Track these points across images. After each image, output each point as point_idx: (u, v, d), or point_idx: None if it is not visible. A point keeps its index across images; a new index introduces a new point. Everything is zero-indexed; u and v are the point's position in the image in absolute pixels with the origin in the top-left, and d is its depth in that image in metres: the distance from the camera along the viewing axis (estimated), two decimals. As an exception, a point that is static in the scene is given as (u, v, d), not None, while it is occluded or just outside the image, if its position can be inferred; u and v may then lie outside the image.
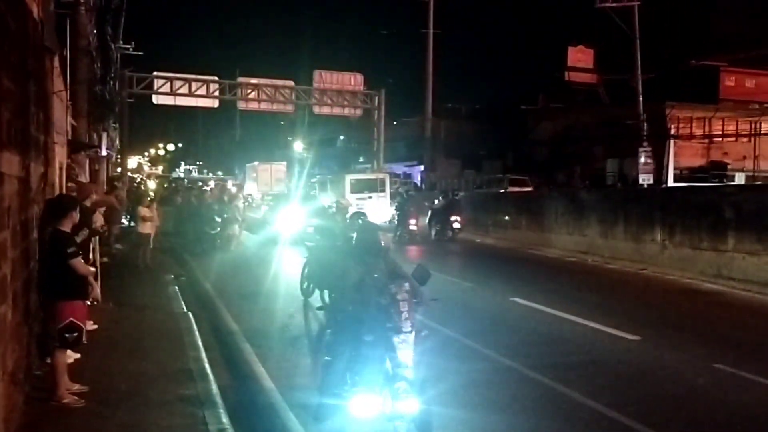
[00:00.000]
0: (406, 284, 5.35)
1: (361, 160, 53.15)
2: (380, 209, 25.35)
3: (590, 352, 8.57)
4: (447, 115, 45.67)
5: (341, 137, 66.23)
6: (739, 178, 34.15)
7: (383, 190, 28.21)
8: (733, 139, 35.75)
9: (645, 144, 28.46)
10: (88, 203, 8.48)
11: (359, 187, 27.10)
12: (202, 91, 35.17)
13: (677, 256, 15.40)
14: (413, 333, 5.23)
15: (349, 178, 28.99)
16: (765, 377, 7.27)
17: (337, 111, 38.94)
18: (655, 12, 31.64)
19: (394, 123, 46.15)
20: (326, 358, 5.77)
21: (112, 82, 25.57)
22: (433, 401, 5.25)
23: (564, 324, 10.13)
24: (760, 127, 35.24)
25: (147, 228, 15.06)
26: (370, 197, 26.66)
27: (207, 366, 7.30)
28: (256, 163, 45.28)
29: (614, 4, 28.04)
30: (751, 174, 34.80)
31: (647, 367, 7.90)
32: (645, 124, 29.29)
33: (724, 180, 32.62)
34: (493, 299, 12.14)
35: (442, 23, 33.11)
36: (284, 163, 44.94)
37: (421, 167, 39.59)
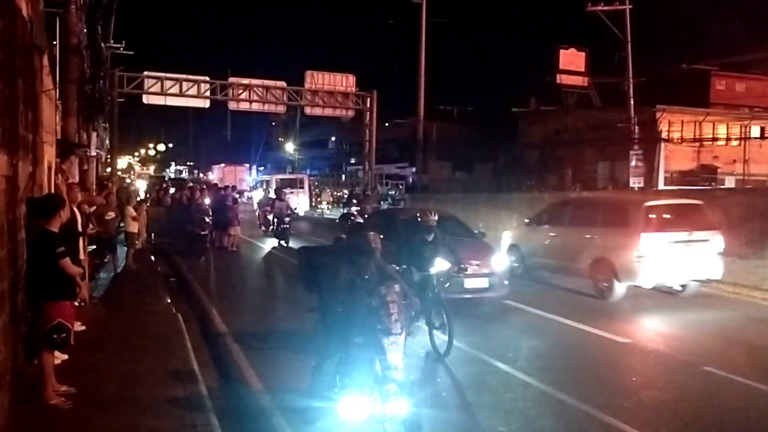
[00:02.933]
0: (396, 286, 5.35)
1: (352, 161, 53.16)
2: (299, 201, 35.59)
3: (580, 354, 8.58)
4: (439, 117, 45.74)
5: (333, 138, 66.24)
6: (729, 182, 34.35)
7: (302, 187, 39.48)
8: (723, 142, 35.95)
9: (636, 147, 28.57)
10: (74, 204, 8.42)
11: (283, 185, 34.14)
12: (193, 91, 35.02)
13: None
14: (403, 335, 5.22)
15: (275, 178, 41.68)
16: (752, 380, 7.30)
17: (328, 112, 38.87)
18: (646, 16, 31.78)
19: (386, 124, 46.20)
20: (316, 360, 5.75)
21: (102, 82, 25.40)
22: (422, 403, 5.25)
23: (554, 326, 10.14)
24: (750, 131, 35.46)
25: (134, 227, 15.02)
26: (292, 192, 34.54)
27: (196, 367, 7.26)
28: (222, 165, 56.50)
29: (606, 8, 28.13)
30: (741, 178, 35.00)
31: (638, 370, 7.92)
32: (636, 128, 29.39)
33: (714, 183, 32.81)
34: (483, 301, 12.11)
35: (435, 25, 33.12)
36: (246, 165, 57.39)
37: (413, 169, 39.61)
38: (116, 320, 9.40)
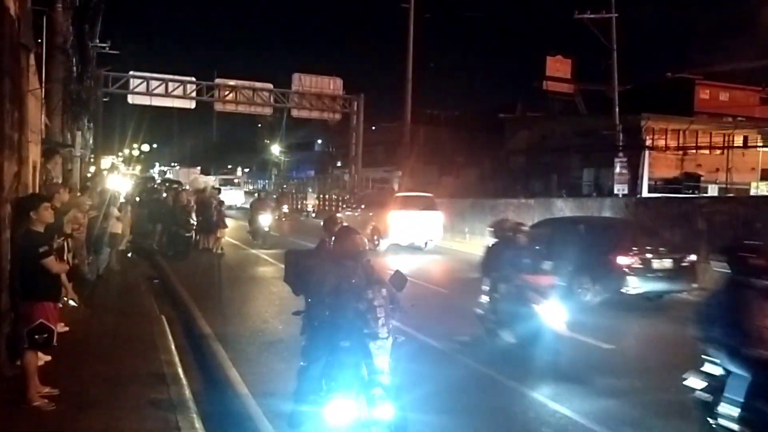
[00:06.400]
0: (384, 290, 5.35)
1: (339, 164, 53.07)
2: (234, 197, 42.76)
3: (565, 360, 8.63)
4: (426, 122, 45.80)
5: (319, 141, 66.11)
6: (712, 190, 34.73)
7: (239, 185, 52.37)
8: (706, 151, 36.34)
9: (620, 154, 28.78)
10: (57, 203, 8.34)
11: (223, 183, 43.04)
12: (179, 91, 34.83)
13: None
14: (390, 339, 5.23)
15: (217, 178, 50.76)
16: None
17: (315, 115, 38.79)
18: (632, 25, 32.09)
19: (373, 128, 46.17)
20: (302, 363, 5.73)
21: (87, 81, 25.18)
22: (409, 407, 5.25)
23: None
24: (733, 140, 35.88)
25: (117, 228, 14.87)
26: (231, 189, 44.68)
27: (180, 370, 7.22)
28: (177, 167, 64.00)
29: (592, 16, 28.38)
30: (723, 186, 35.41)
31: (620, 376, 7.98)
32: (621, 135, 29.63)
33: (697, 191, 33.16)
34: (469, 305, 12.15)
35: (423, 30, 33.25)
36: (199, 167, 62.10)
37: (399, 172, 39.64)
38: (99, 322, 9.32)
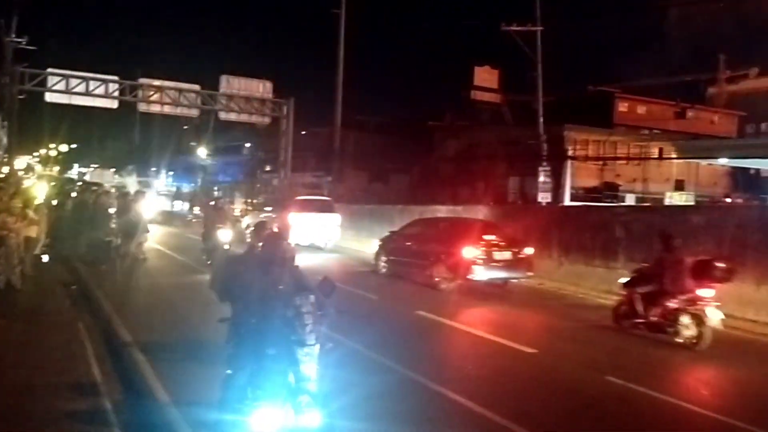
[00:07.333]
0: (312, 297, 5.31)
1: (268, 168, 52.46)
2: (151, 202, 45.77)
3: (491, 364, 8.79)
4: (356, 128, 45.88)
5: (248, 145, 65.15)
6: (630, 199, 36.21)
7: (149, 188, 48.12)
8: (625, 162, 37.85)
9: (545, 164, 29.60)
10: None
11: (142, 185, 40.83)
12: (101, 90, 33.65)
13: (572, 271, 16.09)
14: (318, 346, 5.18)
15: (136, 179, 52.70)
16: (652, 390, 7.69)
17: (244, 118, 38.22)
18: (557, 38, 33.16)
19: (303, 133, 45.90)
20: (227, 371, 5.61)
21: (2, 78, 24.01)
22: (336, 414, 5.22)
23: (466, 337, 10.36)
24: (650, 152, 37.54)
25: (32, 231, 14.20)
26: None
27: (99, 380, 6.94)
28: (92, 168, 65.43)
29: (518, 28, 29.09)
30: (640, 195, 36.99)
31: (544, 380, 8.18)
32: (545, 145, 30.48)
33: (616, 200, 34.50)
34: (398, 313, 12.25)
35: (354, 37, 33.31)
36: (113, 169, 63.63)
37: (329, 178, 39.54)
38: (12, 330, 8.88)
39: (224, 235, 16.99)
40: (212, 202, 22.63)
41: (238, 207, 42.14)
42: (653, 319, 10.33)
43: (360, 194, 36.99)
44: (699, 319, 9.80)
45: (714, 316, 9.77)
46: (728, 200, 36.76)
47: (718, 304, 9.88)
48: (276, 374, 5.11)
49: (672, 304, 10.06)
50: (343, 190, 34.81)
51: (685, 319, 9.95)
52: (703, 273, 10.01)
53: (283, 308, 5.18)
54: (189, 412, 6.17)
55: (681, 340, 9.96)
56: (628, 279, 11.12)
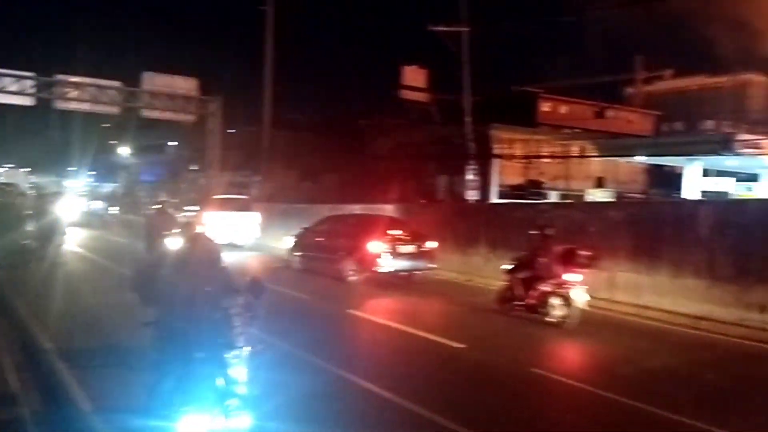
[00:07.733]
0: (240, 298, 5.24)
1: (194, 167, 51.30)
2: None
3: (421, 360, 8.90)
4: (286, 126, 45.46)
5: (173, 143, 63.54)
6: (553, 196, 37.29)
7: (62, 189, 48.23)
8: (548, 160, 38.94)
9: (471, 162, 30.09)
10: None
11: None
12: (15, 87, 32.14)
13: (500, 267, 16.41)
14: (247, 348, 5.12)
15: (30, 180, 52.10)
16: (574, 380, 7.97)
17: (168, 116, 37.19)
18: (483, 39, 33.72)
19: (232, 131, 45.11)
20: (153, 377, 5.47)
21: None
22: (266, 416, 5.18)
23: (396, 334, 10.45)
24: (572, 150, 38.76)
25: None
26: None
27: (16, 389, 6.65)
28: (6, 168, 65.11)
29: (445, 29, 29.44)
30: (563, 192, 38.15)
31: (472, 373, 8.36)
32: (472, 144, 30.98)
33: (540, 197, 35.44)
34: (330, 312, 12.24)
35: (284, 34, 32.97)
36: (25, 169, 64.15)
37: (258, 177, 39.05)
38: None
39: (173, 244, 14.81)
40: (156, 206, 18.73)
41: (188, 211, 40.96)
42: (530, 301, 11.46)
43: (290, 193, 36.70)
44: (566, 300, 10.88)
45: (579, 298, 10.83)
46: (643, 196, 38.32)
47: (586, 287, 10.95)
48: (204, 378, 5.02)
49: (544, 287, 11.22)
50: (271, 189, 34.46)
51: (555, 301, 11.07)
52: (570, 260, 11.10)
53: (211, 310, 5.10)
54: (113, 420, 5.99)
55: (552, 320, 11.02)
56: (511, 266, 12.14)
